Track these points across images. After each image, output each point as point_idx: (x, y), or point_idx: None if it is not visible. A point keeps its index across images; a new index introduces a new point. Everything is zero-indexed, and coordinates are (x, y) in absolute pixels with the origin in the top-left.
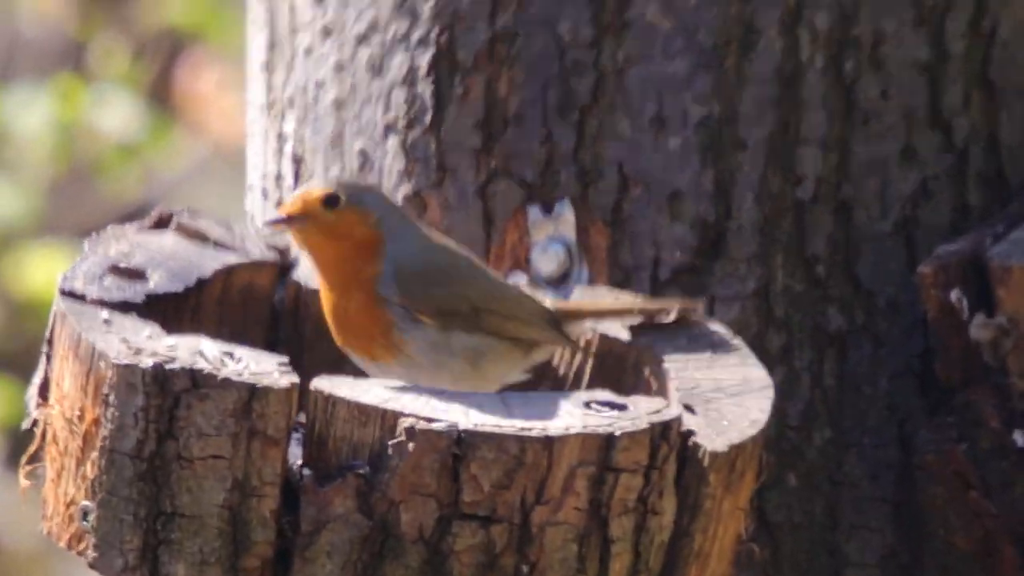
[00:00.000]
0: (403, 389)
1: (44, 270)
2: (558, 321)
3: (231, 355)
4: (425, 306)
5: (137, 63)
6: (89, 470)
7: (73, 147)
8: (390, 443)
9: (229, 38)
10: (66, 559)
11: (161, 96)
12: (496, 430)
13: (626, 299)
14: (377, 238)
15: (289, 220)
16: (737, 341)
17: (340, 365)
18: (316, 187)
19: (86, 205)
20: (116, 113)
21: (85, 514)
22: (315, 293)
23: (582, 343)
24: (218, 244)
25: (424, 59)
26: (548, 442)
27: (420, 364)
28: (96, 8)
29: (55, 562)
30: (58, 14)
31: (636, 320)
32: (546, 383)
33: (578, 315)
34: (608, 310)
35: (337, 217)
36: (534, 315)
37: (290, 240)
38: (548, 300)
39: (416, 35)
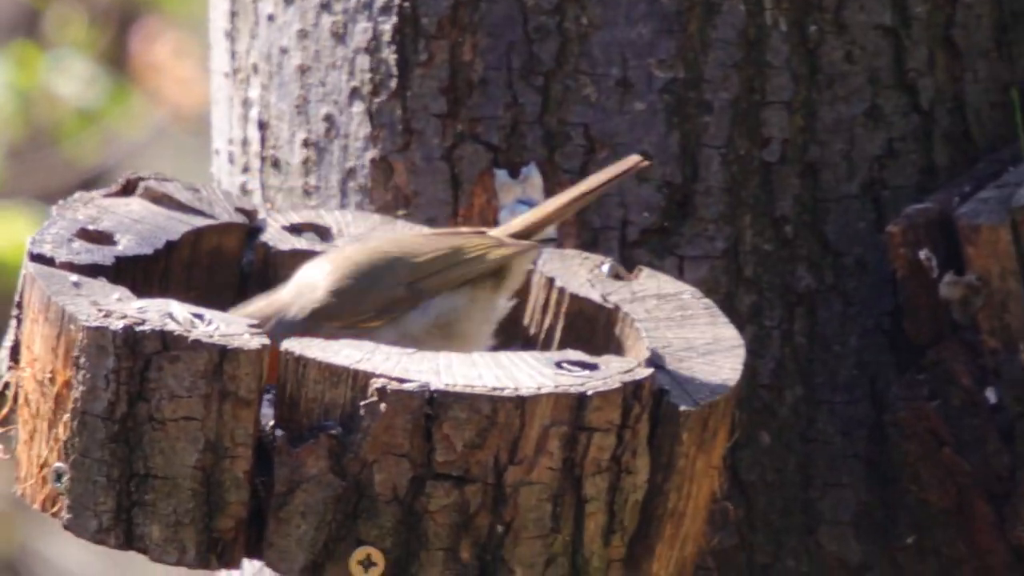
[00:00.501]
0: (374, 349)
1: (3, 234)
2: (508, 240)
3: (201, 317)
4: (356, 319)
5: (93, 30)
6: (61, 432)
7: (31, 113)
8: (362, 404)
9: (184, 5)
10: (33, 520)
11: (118, 63)
12: (468, 390)
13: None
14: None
15: None
16: (707, 300)
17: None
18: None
19: (45, 170)
20: (73, 79)
21: (58, 476)
22: (283, 255)
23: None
24: (185, 207)
25: (387, 25)
26: (520, 402)
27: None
28: None
29: (22, 522)
30: None
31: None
32: (517, 344)
33: (533, 226)
34: (558, 208)
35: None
36: (476, 251)
37: (257, 203)
38: (498, 229)
39: (379, 1)
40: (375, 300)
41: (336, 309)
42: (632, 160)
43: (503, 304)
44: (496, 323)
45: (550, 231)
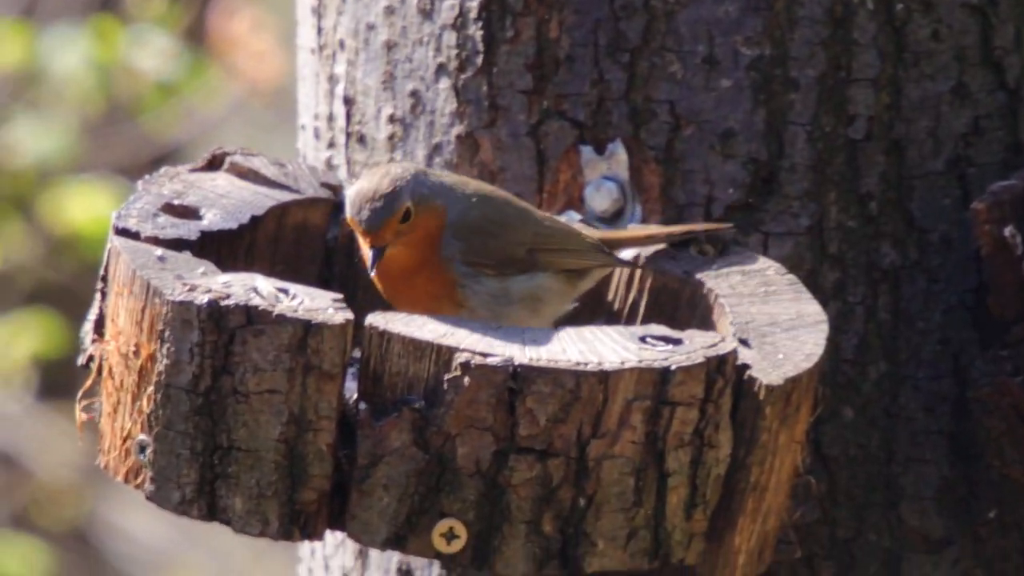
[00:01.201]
0: (458, 323)
1: (82, 207)
2: (605, 249)
3: (285, 292)
4: (485, 258)
5: (173, 5)
6: (145, 405)
7: (111, 87)
8: (446, 378)
9: None
10: (99, 491)
11: (196, 37)
12: (552, 364)
13: (660, 227)
14: (444, 218)
15: (379, 253)
16: (791, 276)
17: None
18: (378, 207)
19: (124, 144)
20: (153, 54)
21: (142, 448)
22: None
23: (640, 262)
24: (271, 182)
25: (474, 2)
26: (604, 376)
27: (481, 317)
28: None
29: (89, 494)
30: None
31: (673, 242)
32: (601, 318)
33: (619, 243)
34: (645, 236)
35: (415, 223)
36: (583, 245)
37: (343, 178)
38: (592, 231)
39: None
40: (498, 252)
41: (464, 242)
42: (727, 227)
43: (579, 290)
44: (571, 302)
45: (629, 252)
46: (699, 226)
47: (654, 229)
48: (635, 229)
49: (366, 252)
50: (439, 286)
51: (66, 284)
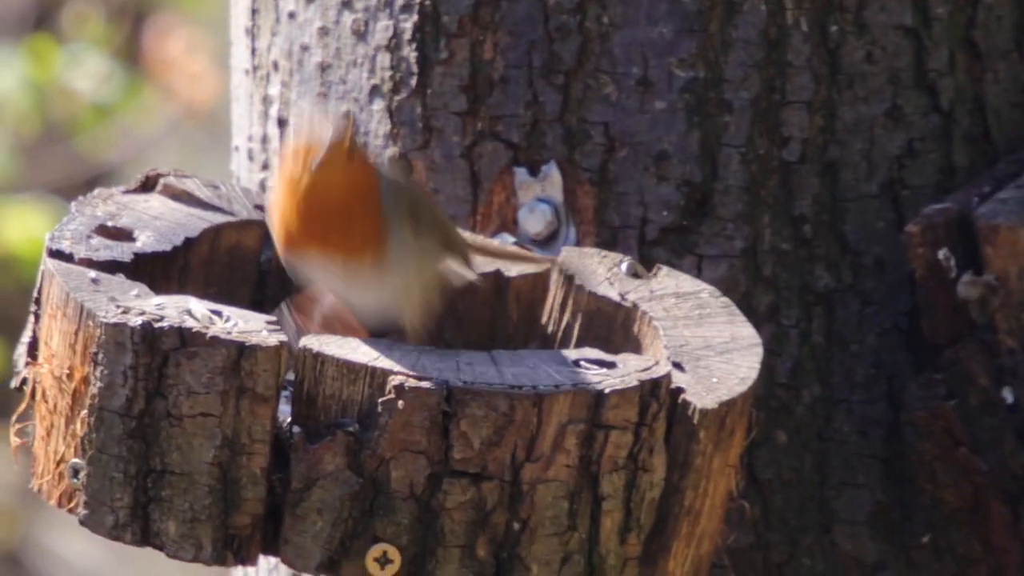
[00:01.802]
0: (391, 347)
1: (18, 227)
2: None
3: (219, 314)
4: (425, 224)
5: (109, 25)
6: (79, 428)
7: (47, 107)
8: (380, 400)
9: (197, 2)
10: (33, 514)
11: (131, 58)
12: (486, 387)
13: (512, 249)
14: (376, 174)
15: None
16: (725, 299)
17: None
18: (336, 132)
19: (59, 164)
20: (88, 74)
21: (75, 472)
22: None
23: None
24: (205, 204)
25: (408, 23)
26: (538, 399)
27: (389, 266)
28: None
29: (22, 517)
30: None
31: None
32: (535, 341)
33: (475, 250)
34: (491, 251)
35: (359, 157)
36: (462, 243)
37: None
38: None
39: (400, 0)
40: (432, 220)
41: (402, 201)
42: (548, 265)
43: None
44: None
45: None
46: (523, 253)
47: (485, 243)
48: (473, 238)
49: (323, 138)
50: (369, 231)
51: (2, 306)
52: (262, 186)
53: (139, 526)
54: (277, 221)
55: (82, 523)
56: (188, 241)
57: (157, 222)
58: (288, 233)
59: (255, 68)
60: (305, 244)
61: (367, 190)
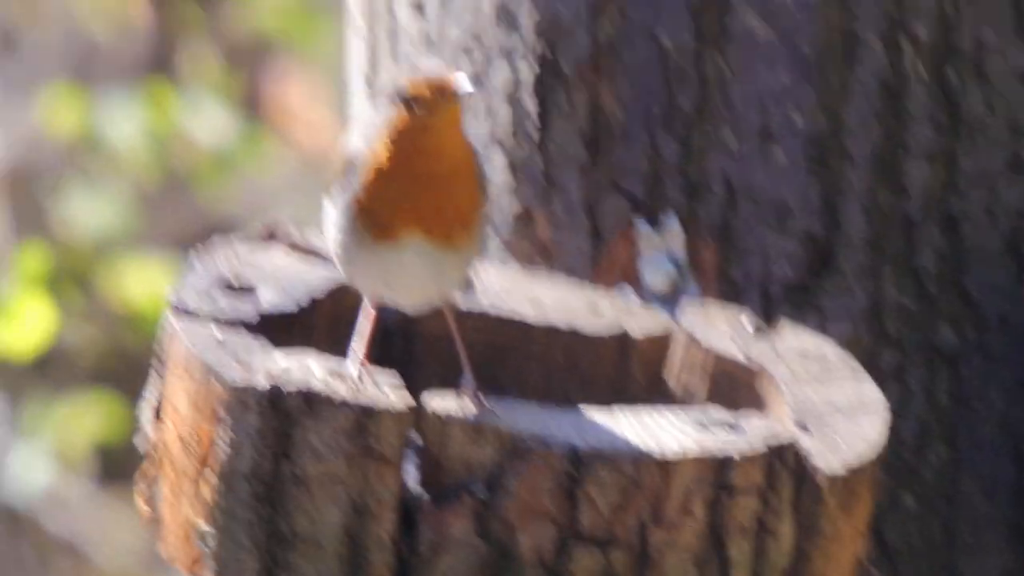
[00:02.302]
0: (515, 407)
1: (140, 282)
2: None
3: (344, 374)
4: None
5: (226, 71)
6: (205, 491)
7: (166, 156)
8: (507, 464)
9: (319, 47)
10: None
11: (249, 106)
12: (612, 451)
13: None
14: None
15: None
16: (849, 358)
17: (452, 382)
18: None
19: (178, 215)
20: (208, 122)
21: (202, 536)
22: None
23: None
24: (327, 258)
25: (527, 72)
26: (665, 463)
27: (467, 252)
28: (186, 15)
29: None
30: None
31: None
32: (659, 401)
33: None
34: None
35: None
36: None
37: None
38: None
39: (519, 47)
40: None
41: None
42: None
43: None
44: None
45: None
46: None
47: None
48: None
49: (454, 86)
50: (472, 204)
51: (126, 361)
52: None
53: None
54: (372, 190)
55: None
56: (312, 299)
57: (279, 276)
58: (388, 203)
59: None
60: (407, 214)
61: (472, 152)
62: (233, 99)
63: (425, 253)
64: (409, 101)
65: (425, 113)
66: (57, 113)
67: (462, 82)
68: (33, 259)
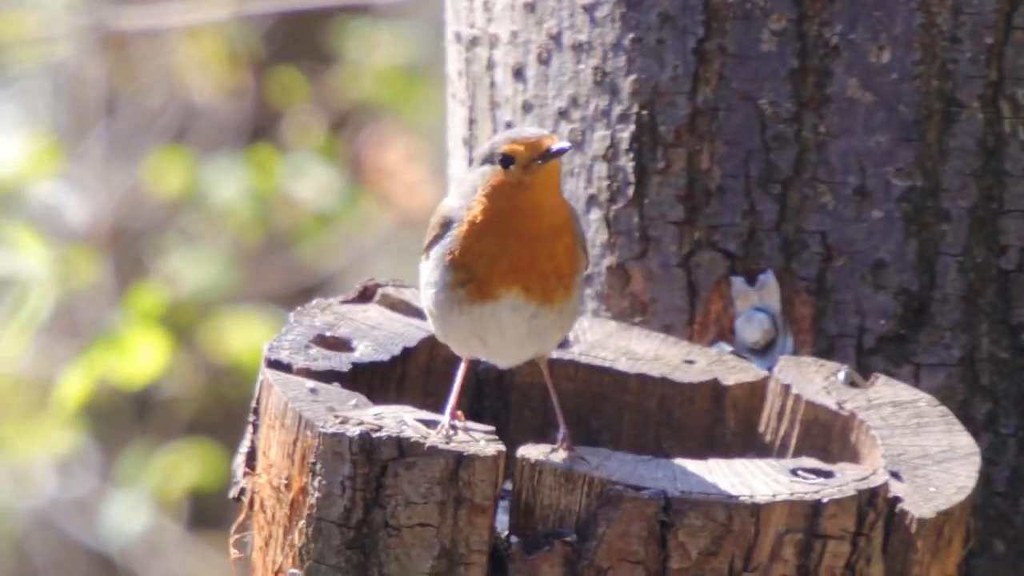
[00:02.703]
0: (607, 456)
1: (242, 336)
2: None
3: (436, 423)
4: (582, 239)
5: (331, 134)
6: (297, 538)
7: (268, 216)
8: (599, 510)
9: (420, 111)
10: None
11: (349, 166)
12: (703, 497)
13: None
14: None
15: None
16: (942, 408)
17: (545, 432)
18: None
19: (279, 272)
20: (310, 183)
21: None
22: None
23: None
24: (422, 314)
25: (625, 133)
26: (755, 509)
27: (565, 311)
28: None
29: None
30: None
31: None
32: (752, 451)
33: None
34: None
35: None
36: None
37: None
38: None
39: (617, 110)
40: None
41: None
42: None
43: None
44: None
45: None
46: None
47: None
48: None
49: (549, 145)
50: (571, 264)
51: (227, 415)
52: None
53: None
54: (468, 246)
55: None
56: (406, 351)
57: (375, 332)
58: (485, 260)
59: None
60: (504, 270)
61: (570, 211)
62: (335, 161)
63: (523, 310)
64: (505, 159)
65: (520, 171)
66: (161, 174)
67: (558, 141)
68: (146, 296)
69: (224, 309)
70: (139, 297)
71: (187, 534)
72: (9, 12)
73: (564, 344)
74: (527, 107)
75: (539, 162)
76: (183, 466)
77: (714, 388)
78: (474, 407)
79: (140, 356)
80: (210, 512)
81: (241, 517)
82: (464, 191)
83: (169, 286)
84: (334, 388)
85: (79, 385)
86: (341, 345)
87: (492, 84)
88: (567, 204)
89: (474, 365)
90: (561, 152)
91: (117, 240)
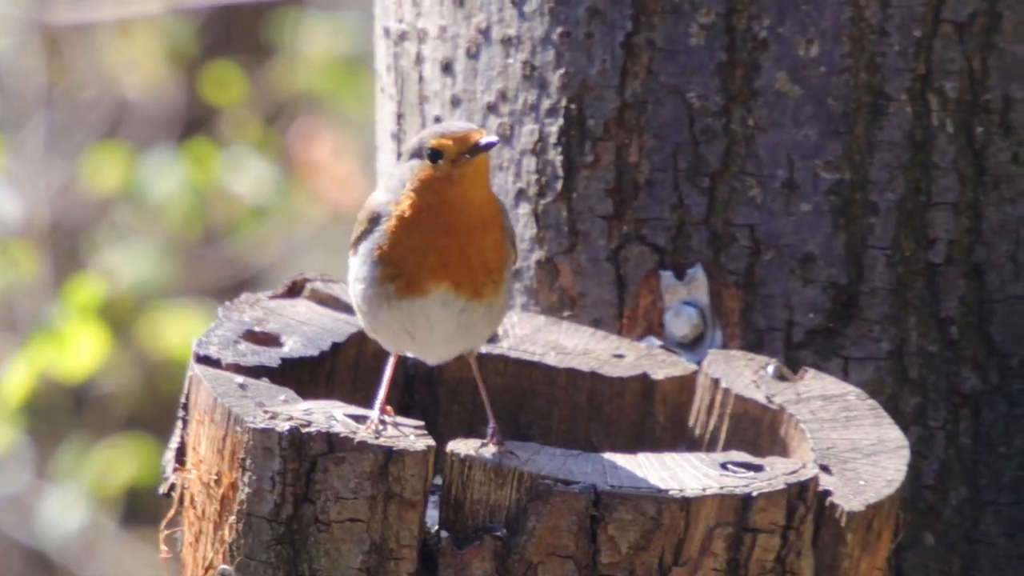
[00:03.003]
0: (537, 450)
1: (177, 330)
2: None
3: (365, 419)
4: (510, 233)
5: (267, 129)
6: (227, 534)
7: (203, 210)
8: (528, 504)
9: (358, 103)
10: None
11: (278, 161)
12: (633, 491)
13: None
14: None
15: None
16: (871, 402)
17: (475, 427)
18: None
19: (214, 267)
20: (247, 177)
21: None
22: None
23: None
24: (351, 309)
25: (554, 127)
26: (685, 503)
27: (494, 306)
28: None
29: None
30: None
31: None
32: (682, 444)
33: None
34: None
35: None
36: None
37: None
38: None
39: (545, 104)
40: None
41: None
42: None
43: None
44: None
45: None
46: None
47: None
48: None
49: (477, 139)
50: (500, 258)
51: (161, 410)
52: None
53: None
54: (396, 241)
55: None
56: (335, 346)
57: (304, 327)
58: (413, 255)
59: None
60: (433, 265)
61: (498, 205)
62: (269, 155)
63: (452, 305)
64: (433, 153)
65: (449, 165)
66: (98, 168)
67: (486, 135)
68: (83, 290)
69: (160, 304)
70: (76, 291)
71: (122, 530)
72: None
73: (493, 339)
74: (456, 101)
75: (467, 156)
76: (120, 462)
77: (643, 382)
78: (404, 402)
79: (79, 350)
80: (145, 508)
81: (171, 513)
82: (392, 186)
83: (105, 281)
84: (263, 383)
85: (21, 380)
86: (270, 340)
87: (421, 79)
88: (496, 198)
89: (403, 360)
90: (489, 146)
91: (54, 234)
